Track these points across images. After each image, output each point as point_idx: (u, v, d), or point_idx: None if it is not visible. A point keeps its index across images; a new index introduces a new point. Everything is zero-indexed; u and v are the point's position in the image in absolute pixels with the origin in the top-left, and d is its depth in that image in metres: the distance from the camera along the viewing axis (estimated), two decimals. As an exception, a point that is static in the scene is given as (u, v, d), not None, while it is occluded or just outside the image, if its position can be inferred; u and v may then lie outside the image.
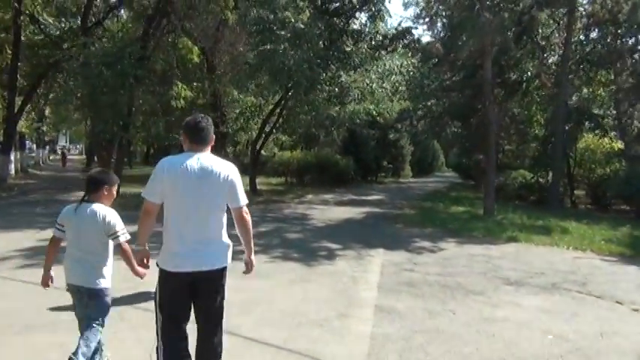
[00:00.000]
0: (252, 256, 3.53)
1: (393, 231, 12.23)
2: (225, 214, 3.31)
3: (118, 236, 3.53)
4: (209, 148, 3.29)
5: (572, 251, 10.35)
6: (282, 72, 14.08)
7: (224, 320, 3.40)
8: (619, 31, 18.03)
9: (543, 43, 20.47)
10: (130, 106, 17.04)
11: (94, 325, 3.52)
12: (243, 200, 3.30)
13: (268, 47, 13.95)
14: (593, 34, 18.98)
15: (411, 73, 18.70)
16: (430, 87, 20.29)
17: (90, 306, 3.53)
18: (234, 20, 17.53)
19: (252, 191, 19.10)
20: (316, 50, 14.45)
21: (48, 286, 3.66)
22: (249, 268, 3.54)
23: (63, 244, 3.69)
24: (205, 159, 3.20)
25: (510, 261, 9.04)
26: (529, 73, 19.53)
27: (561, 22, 18.88)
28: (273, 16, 14.76)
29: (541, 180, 20.58)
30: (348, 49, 15.53)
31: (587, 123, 19.42)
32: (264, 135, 20.49)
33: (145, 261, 3.36)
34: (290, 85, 15.93)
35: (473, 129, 22.51)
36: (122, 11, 23.66)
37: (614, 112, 21.13)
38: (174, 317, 3.25)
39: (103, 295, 3.57)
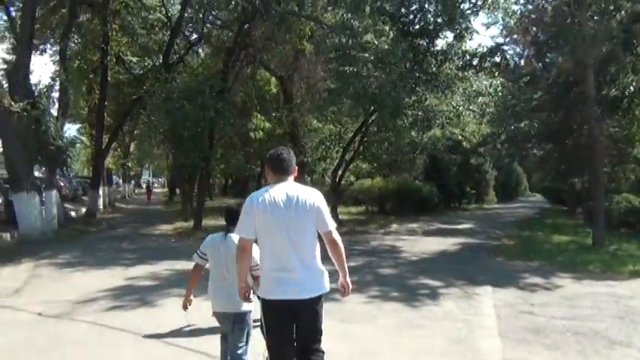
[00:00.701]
0: (348, 279, 3.54)
1: (495, 265, 11.09)
2: (318, 241, 3.39)
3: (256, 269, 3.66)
4: (292, 177, 3.44)
5: None
6: (365, 96, 13.41)
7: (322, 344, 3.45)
8: None
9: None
10: (210, 139, 17.03)
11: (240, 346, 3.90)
12: (332, 224, 3.37)
13: (349, 69, 13.33)
14: None
15: (500, 94, 17.52)
16: (520, 106, 18.95)
17: (235, 330, 3.88)
18: (311, 49, 17.27)
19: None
20: (400, 72, 13.72)
21: (186, 308, 4.19)
22: (346, 290, 3.55)
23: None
24: (290, 188, 3.34)
25: (643, 303, 7.74)
26: (632, 88, 17.71)
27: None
28: (353, 41, 14.25)
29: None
30: (433, 69, 14.65)
31: None
32: (344, 163, 19.88)
33: (247, 295, 3.43)
34: (372, 109, 15.27)
35: (569, 150, 20.83)
36: (201, 48, 24.16)
37: None
38: (280, 343, 3.37)
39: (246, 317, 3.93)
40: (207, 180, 21.91)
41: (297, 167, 3.52)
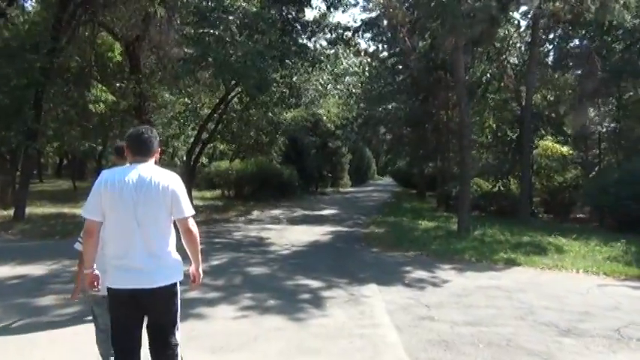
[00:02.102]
0: (200, 269, 3.33)
1: (372, 257, 10.18)
2: (172, 228, 3.15)
3: None
4: (152, 159, 3.23)
5: (584, 275, 9.12)
6: (226, 65, 11.53)
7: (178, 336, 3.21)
8: (583, 32, 17.11)
9: (498, 44, 19.36)
10: (37, 110, 13.97)
11: None
12: (189, 211, 3.15)
13: (209, 32, 11.35)
14: (555, 35, 17.97)
15: (367, 74, 16.90)
16: (387, 89, 18.61)
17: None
18: (163, 13, 14.90)
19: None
20: (269, 40, 12.09)
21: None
22: (196, 280, 3.34)
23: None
24: (145, 170, 3.10)
25: (535, 296, 7.31)
26: (488, 75, 18.25)
27: (521, 20, 17.76)
28: (216, 3, 12.33)
29: (502, 189, 19.37)
30: (303, 41, 13.29)
31: (548, 128, 18.40)
32: (200, 143, 17.82)
33: (96, 284, 3.15)
34: (234, 82, 13.51)
35: (429, 134, 21.12)
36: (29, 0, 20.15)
37: (570, 116, 20.36)
38: (123, 333, 3.13)
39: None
40: (36, 159, 18.36)
41: (159, 149, 3.34)
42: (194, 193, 22.39)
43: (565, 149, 20.53)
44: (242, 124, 18.96)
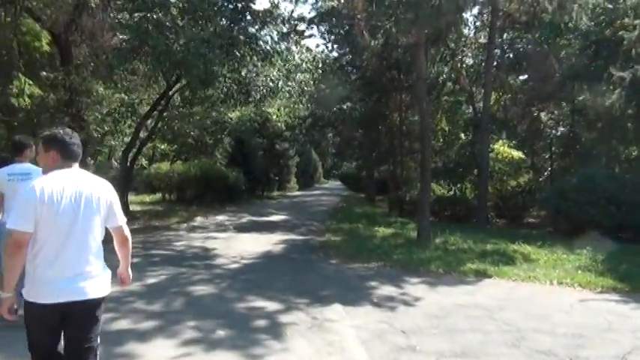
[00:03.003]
0: (129, 270, 3.33)
1: (332, 270, 9.14)
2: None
3: None
4: (77, 164, 3.06)
5: (560, 288, 8.52)
6: (167, 54, 10.14)
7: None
8: (538, 35, 16.80)
9: (452, 45, 18.89)
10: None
11: None
12: (122, 219, 3.16)
13: (146, 16, 9.93)
14: (510, 36, 17.60)
15: (321, 71, 15.93)
16: (337, 90, 17.71)
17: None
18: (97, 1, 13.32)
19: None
20: (215, 28, 10.79)
21: None
22: (125, 282, 3.33)
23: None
24: (80, 179, 2.98)
25: (519, 315, 6.53)
26: (444, 76, 17.68)
27: (477, 21, 17.31)
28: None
29: (457, 193, 18.85)
30: (254, 31, 12.05)
31: (503, 132, 18.04)
32: (138, 142, 16.24)
33: (16, 307, 2.92)
34: (176, 76, 12.14)
35: (383, 136, 20.37)
36: None
37: (519, 120, 20.16)
38: (44, 348, 2.96)
39: None
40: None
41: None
42: (132, 198, 20.72)
43: (516, 153, 20.35)
44: (185, 123, 17.45)
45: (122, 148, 16.89)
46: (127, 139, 17.35)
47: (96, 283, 2.95)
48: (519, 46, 17.59)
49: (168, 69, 11.14)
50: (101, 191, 3.01)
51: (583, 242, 12.37)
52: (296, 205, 25.36)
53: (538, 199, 17.26)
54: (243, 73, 12.98)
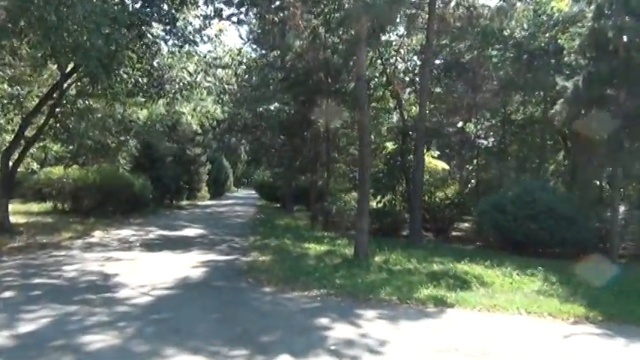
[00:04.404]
0: None
1: (268, 302, 7.42)
2: None
3: None
4: None
5: (531, 320, 7.64)
6: (56, 29, 7.90)
7: None
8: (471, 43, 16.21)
9: (382, 48, 17.93)
10: None
11: None
12: None
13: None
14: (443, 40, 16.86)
15: (244, 67, 14.22)
16: (260, 91, 16.07)
17: None
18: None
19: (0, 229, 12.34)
20: (126, 3, 8.75)
21: None
22: None
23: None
24: None
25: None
26: (376, 80, 16.61)
27: (411, 25, 16.42)
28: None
29: (386, 205, 17.81)
30: (170, 10, 10.04)
31: (432, 142, 17.28)
32: (24, 142, 13.53)
33: None
34: (72, 65, 9.91)
35: (308, 143, 18.92)
36: None
37: (449, 129, 19.60)
38: None
39: None
40: None
41: None
42: (16, 207, 17.70)
43: (440, 164, 19.74)
44: (82, 121, 14.92)
45: (2, 148, 14.08)
46: (9, 138, 14.54)
47: None
48: (452, 51, 16.92)
49: (60, 50, 8.79)
50: None
51: (526, 260, 11.74)
52: (210, 216, 23.22)
53: (472, 211, 16.60)
54: (155, 63, 10.97)
